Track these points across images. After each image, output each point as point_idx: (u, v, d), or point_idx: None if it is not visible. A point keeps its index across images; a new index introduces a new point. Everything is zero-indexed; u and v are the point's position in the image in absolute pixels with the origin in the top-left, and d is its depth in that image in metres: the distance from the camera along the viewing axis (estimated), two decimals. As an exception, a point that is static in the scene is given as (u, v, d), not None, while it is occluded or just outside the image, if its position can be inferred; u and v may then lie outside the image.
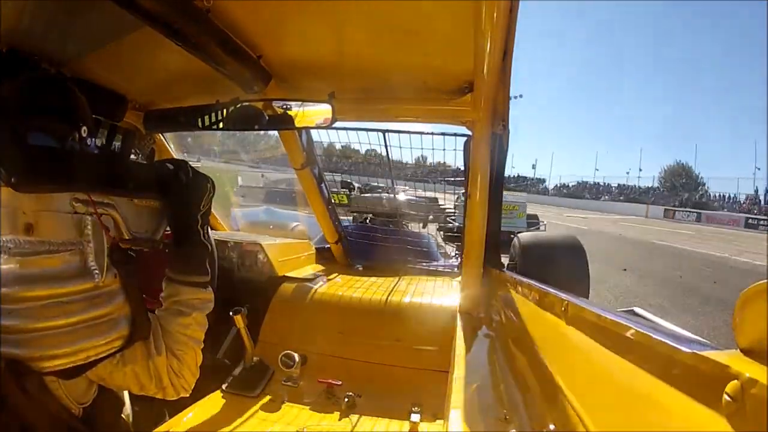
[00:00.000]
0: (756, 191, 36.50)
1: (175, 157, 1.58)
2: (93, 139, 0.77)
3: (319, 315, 1.38)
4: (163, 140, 1.59)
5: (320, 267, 1.82)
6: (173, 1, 0.76)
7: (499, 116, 1.14)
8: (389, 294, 1.47)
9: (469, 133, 1.25)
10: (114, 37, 0.90)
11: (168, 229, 0.89)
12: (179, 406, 0.99)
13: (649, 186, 43.93)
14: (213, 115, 1.13)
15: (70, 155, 0.71)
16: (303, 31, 0.98)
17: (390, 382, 1.18)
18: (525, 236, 2.00)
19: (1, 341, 0.61)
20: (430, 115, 1.29)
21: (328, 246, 1.88)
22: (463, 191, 1.36)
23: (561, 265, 1.75)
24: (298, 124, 1.14)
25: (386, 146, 1.73)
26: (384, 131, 1.67)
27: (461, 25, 0.88)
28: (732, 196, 37.44)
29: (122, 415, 0.86)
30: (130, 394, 0.86)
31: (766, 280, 0.30)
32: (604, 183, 46.21)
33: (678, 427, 0.36)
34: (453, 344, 1.00)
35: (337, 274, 1.74)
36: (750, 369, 0.29)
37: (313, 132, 1.58)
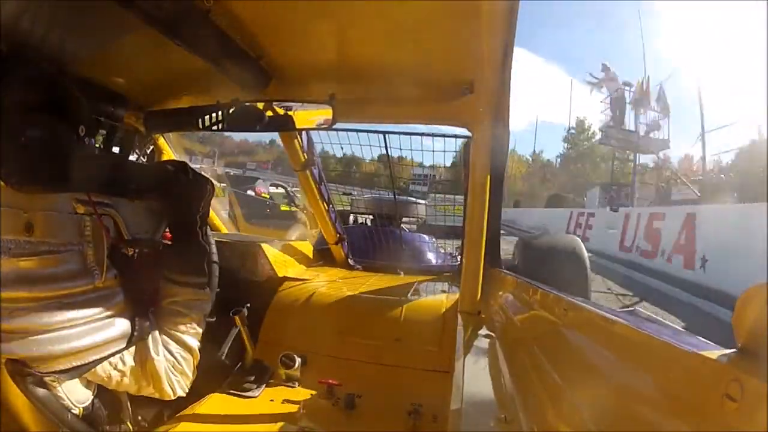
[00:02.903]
0: None
1: (175, 157, 1.58)
2: (92, 139, 0.77)
3: (319, 315, 1.38)
4: (164, 141, 1.59)
5: (320, 267, 1.82)
6: (173, 1, 0.76)
7: (500, 117, 1.14)
8: (389, 294, 1.46)
9: (470, 134, 1.25)
10: (114, 37, 0.90)
11: (167, 229, 0.89)
12: (179, 406, 0.99)
13: None
14: (213, 115, 1.13)
15: (70, 156, 0.71)
16: (303, 31, 0.98)
17: (390, 382, 1.17)
18: (527, 238, 2.00)
19: (1, 341, 0.62)
20: (430, 116, 1.29)
21: (328, 246, 1.88)
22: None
23: (562, 267, 1.75)
24: (298, 125, 1.14)
25: (386, 148, 1.73)
26: (384, 133, 1.67)
27: (461, 26, 0.88)
28: None
29: (122, 416, 0.86)
30: (130, 394, 0.86)
31: (766, 281, 0.30)
32: None
33: (678, 427, 0.36)
34: (453, 344, 1.00)
35: (336, 274, 1.74)
36: (750, 369, 0.30)
37: (312, 133, 1.58)
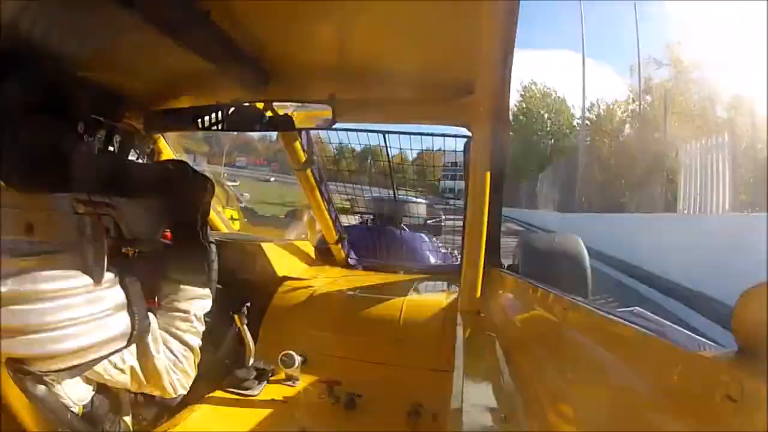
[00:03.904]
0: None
1: (175, 157, 1.58)
2: (92, 139, 0.77)
3: (319, 315, 1.38)
4: (164, 140, 1.59)
5: (320, 267, 1.82)
6: (173, 1, 0.76)
7: (500, 117, 1.14)
8: (389, 294, 1.47)
9: (470, 133, 1.25)
10: (114, 36, 0.90)
11: (167, 229, 0.89)
12: (179, 405, 0.99)
13: None
14: (213, 115, 1.14)
15: (70, 156, 0.71)
16: (303, 32, 0.98)
17: (390, 382, 1.18)
18: (526, 237, 2.00)
19: (2, 341, 0.62)
20: (430, 116, 1.29)
21: (328, 246, 1.88)
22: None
23: (562, 266, 1.74)
24: (298, 125, 1.15)
25: (386, 147, 1.74)
26: (384, 132, 1.68)
27: (461, 25, 0.88)
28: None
29: (121, 414, 0.86)
30: (130, 393, 0.86)
31: (765, 281, 0.30)
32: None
33: (678, 428, 0.36)
34: (453, 344, 1.00)
35: (337, 274, 1.74)
36: (750, 369, 0.30)
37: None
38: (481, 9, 0.76)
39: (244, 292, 1.33)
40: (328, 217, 1.74)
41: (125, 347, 0.76)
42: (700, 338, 0.44)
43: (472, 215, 1.19)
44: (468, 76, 1.09)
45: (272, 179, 29.94)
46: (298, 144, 1.50)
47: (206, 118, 1.14)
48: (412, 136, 1.68)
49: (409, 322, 1.32)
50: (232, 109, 1.12)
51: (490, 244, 1.26)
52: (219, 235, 1.68)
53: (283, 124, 1.16)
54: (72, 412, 0.72)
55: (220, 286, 0.98)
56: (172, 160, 0.96)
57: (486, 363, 0.87)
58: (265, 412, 1.07)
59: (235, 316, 1.18)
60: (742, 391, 0.29)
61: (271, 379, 1.20)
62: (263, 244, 1.55)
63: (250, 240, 1.62)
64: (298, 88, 1.18)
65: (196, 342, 0.87)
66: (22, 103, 0.67)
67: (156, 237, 0.88)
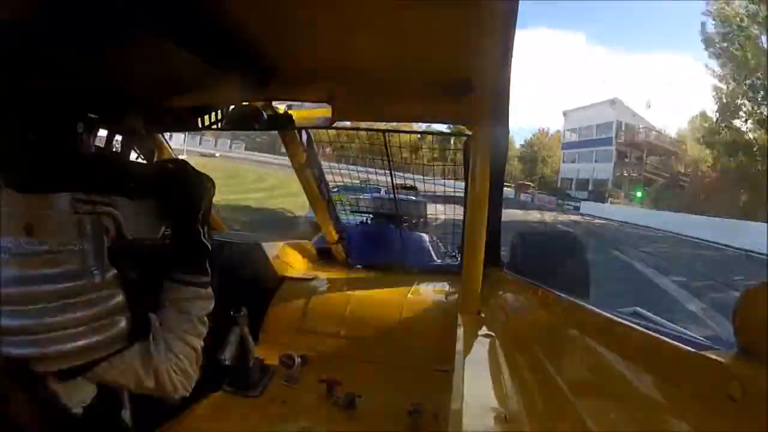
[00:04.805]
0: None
1: (175, 156, 1.58)
2: (91, 139, 0.77)
3: (319, 315, 1.38)
4: (163, 140, 1.59)
5: (320, 267, 1.82)
6: (174, 1, 0.76)
7: (500, 116, 1.14)
8: (389, 294, 1.47)
9: (469, 132, 1.25)
10: (114, 36, 0.90)
11: (168, 228, 0.89)
12: (179, 406, 0.99)
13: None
14: (213, 114, 1.14)
15: (70, 155, 0.71)
16: (303, 31, 0.98)
17: (390, 382, 1.18)
18: (524, 233, 2.00)
19: (2, 341, 0.62)
20: (430, 115, 1.29)
21: (328, 246, 1.88)
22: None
23: (562, 262, 1.74)
24: (298, 124, 1.15)
25: (386, 146, 1.73)
26: (384, 131, 1.68)
27: (461, 25, 0.88)
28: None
29: (122, 415, 0.86)
30: (130, 394, 0.85)
31: (766, 282, 0.30)
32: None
33: (679, 427, 0.36)
34: (453, 344, 1.00)
35: (337, 274, 1.74)
36: (750, 369, 0.30)
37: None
38: (481, 9, 0.76)
39: (245, 292, 1.34)
40: (328, 217, 1.74)
41: (126, 348, 0.75)
42: (700, 338, 0.44)
43: (472, 214, 1.19)
44: (468, 75, 1.09)
45: (218, 155, 26.84)
46: (298, 143, 1.51)
47: (206, 117, 1.14)
48: (411, 135, 1.68)
49: (409, 322, 1.32)
50: (232, 108, 1.13)
51: (490, 244, 1.26)
52: (219, 235, 1.68)
53: (283, 124, 1.16)
54: (73, 413, 0.72)
55: (220, 287, 0.98)
56: (172, 160, 0.95)
57: (486, 363, 0.87)
58: (265, 412, 1.07)
59: (236, 317, 1.19)
60: (742, 391, 0.29)
61: (270, 379, 1.20)
62: (263, 244, 1.55)
63: (250, 240, 1.62)
64: (298, 88, 1.18)
65: (198, 343, 0.87)
66: (21, 104, 0.67)
67: (157, 236, 0.88)
